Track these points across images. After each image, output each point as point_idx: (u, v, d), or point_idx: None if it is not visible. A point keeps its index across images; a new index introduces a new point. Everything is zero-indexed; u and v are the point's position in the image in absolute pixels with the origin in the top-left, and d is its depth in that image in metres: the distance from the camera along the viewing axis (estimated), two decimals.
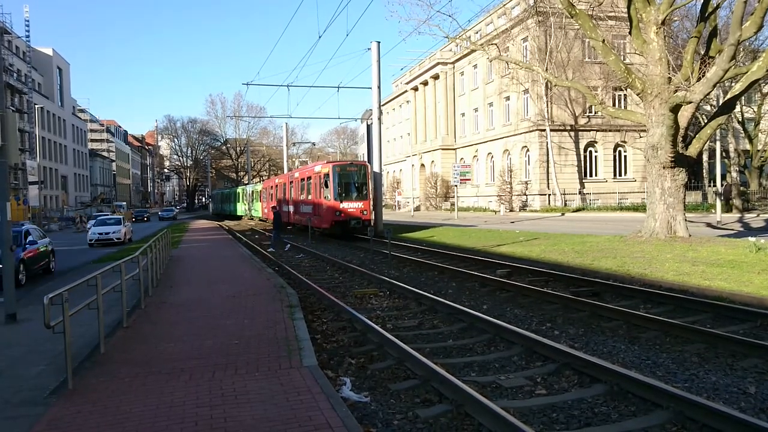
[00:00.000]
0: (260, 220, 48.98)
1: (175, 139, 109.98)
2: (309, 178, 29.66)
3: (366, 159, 31.89)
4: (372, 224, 25.84)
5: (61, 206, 68.18)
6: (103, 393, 5.64)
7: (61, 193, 73.07)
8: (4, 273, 9.56)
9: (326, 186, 26.43)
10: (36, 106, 59.79)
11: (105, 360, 6.84)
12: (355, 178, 26.67)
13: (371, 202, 26.93)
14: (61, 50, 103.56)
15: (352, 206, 25.79)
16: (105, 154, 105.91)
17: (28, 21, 62.47)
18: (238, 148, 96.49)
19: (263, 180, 65.31)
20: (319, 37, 33.49)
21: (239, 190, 63.48)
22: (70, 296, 5.92)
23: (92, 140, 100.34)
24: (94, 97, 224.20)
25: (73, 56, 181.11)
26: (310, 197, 29.39)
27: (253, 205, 51.67)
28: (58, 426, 4.86)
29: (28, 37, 63.24)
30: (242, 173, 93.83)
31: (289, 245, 23.84)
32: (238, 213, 60.68)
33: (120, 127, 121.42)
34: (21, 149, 52.47)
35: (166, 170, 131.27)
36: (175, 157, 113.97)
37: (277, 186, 39.33)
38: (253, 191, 53.26)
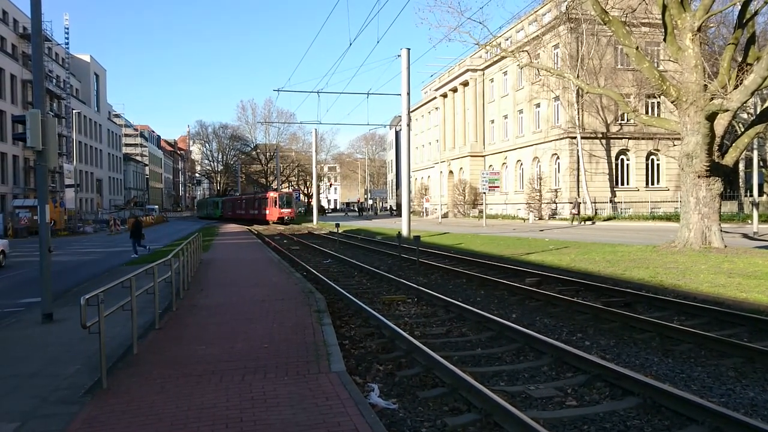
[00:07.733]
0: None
1: (207, 144, 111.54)
2: (267, 197, 57.12)
3: (395, 165, 45.76)
4: (293, 219, 56.04)
5: (95, 209, 69.78)
6: (136, 393, 5.75)
7: (96, 196, 74.86)
8: (41, 273, 9.82)
9: (275, 202, 55.29)
10: (73, 111, 61.52)
11: (138, 361, 6.97)
12: (286, 199, 56.33)
13: (294, 210, 58.08)
14: (97, 56, 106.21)
15: (285, 211, 55.24)
16: (138, 158, 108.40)
17: (67, 28, 64.22)
18: (268, 154, 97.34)
19: (291, 186, 79.35)
20: (350, 44, 33.96)
21: (217, 200, 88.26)
22: (105, 297, 6.06)
23: (126, 145, 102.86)
24: (129, 103, 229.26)
25: (109, 62, 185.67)
26: (266, 206, 56.51)
27: (234, 211, 72.64)
28: (93, 424, 4.98)
29: (67, 44, 65.03)
30: (272, 178, 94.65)
31: (137, 256, 22.85)
32: (217, 215, 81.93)
33: (153, 132, 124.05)
34: (59, 153, 53.93)
35: (197, 175, 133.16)
36: (206, 161, 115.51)
37: (259, 198, 61.49)
38: (232, 200, 77.82)
